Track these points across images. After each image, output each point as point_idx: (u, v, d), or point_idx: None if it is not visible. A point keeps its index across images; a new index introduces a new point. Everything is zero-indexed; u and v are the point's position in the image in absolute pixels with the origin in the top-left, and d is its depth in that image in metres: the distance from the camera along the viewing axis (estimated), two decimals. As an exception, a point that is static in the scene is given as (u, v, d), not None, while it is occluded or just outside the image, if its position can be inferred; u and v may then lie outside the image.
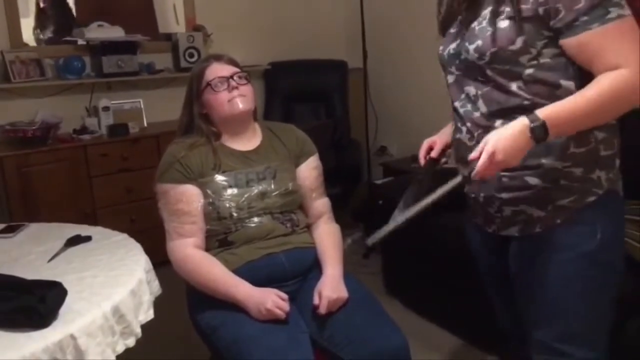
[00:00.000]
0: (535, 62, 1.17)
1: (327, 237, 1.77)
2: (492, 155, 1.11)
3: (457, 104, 1.32)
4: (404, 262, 2.76)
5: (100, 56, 3.10)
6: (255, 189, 1.68)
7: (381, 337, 1.51)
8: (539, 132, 1.10)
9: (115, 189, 3.03)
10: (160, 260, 1.67)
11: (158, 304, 1.55)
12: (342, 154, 3.54)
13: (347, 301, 1.59)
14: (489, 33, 1.18)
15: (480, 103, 1.24)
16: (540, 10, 1.13)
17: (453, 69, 1.31)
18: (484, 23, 1.19)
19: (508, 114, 1.19)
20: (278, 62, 3.80)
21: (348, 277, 1.70)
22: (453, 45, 1.29)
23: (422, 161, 1.56)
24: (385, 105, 3.91)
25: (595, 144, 1.20)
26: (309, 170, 1.81)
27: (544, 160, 1.20)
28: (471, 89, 1.26)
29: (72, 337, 1.18)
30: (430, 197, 1.22)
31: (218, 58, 1.76)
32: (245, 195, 1.67)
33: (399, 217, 1.27)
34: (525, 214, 1.26)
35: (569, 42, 1.13)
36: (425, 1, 3.49)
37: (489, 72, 1.20)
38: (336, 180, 3.40)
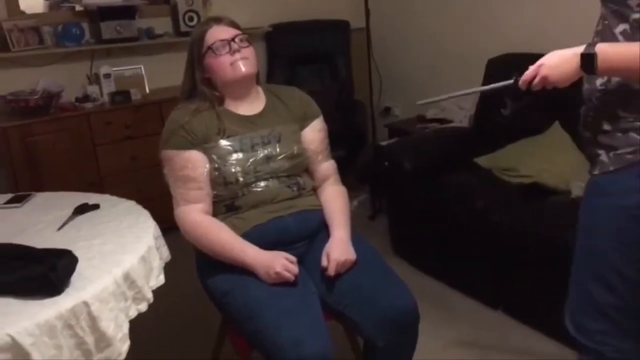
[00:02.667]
0: None
1: (334, 199, 1.77)
2: (540, 67, 1.20)
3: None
4: (410, 223, 2.77)
5: (98, 22, 3.05)
6: (261, 153, 1.67)
7: (390, 298, 1.52)
8: (588, 61, 1.15)
9: (120, 157, 3.02)
10: (169, 226, 1.68)
11: (168, 269, 1.57)
12: (346, 116, 3.52)
13: (355, 263, 1.60)
14: None
15: (598, 40, 1.24)
16: None
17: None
18: None
19: None
20: (279, 24, 3.73)
21: (356, 238, 1.71)
22: None
23: None
24: (389, 65, 3.85)
25: None
26: (314, 133, 1.79)
27: (620, 112, 1.21)
28: (599, 25, 1.27)
29: (85, 303, 1.19)
30: (481, 87, 1.43)
31: (218, 21, 1.72)
32: (251, 160, 1.66)
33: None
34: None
35: None
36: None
37: (603, 11, 1.24)
38: (341, 143, 3.36)
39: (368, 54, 3.71)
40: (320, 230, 1.71)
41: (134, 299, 1.36)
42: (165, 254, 1.61)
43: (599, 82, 1.25)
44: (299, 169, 1.74)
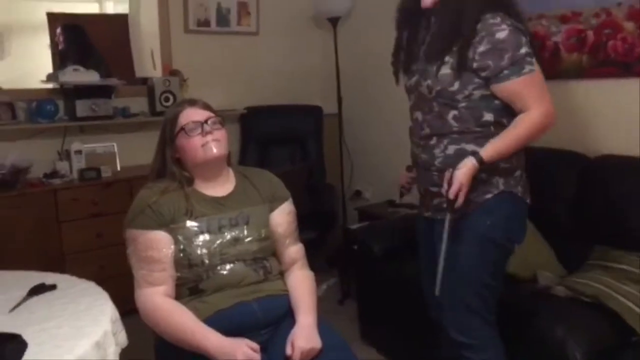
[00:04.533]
0: (467, 99, 1.63)
1: (301, 284, 1.74)
2: (462, 184, 1.58)
3: (412, 123, 1.81)
4: (380, 308, 2.72)
5: (74, 100, 3.07)
6: (228, 235, 1.65)
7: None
8: (482, 165, 1.60)
9: (85, 234, 2.95)
10: (130, 308, 1.62)
11: (125, 355, 1.49)
12: (317, 199, 3.53)
13: (320, 351, 1.55)
14: (437, 75, 1.64)
15: (425, 126, 1.73)
16: (475, 65, 1.59)
17: (412, 97, 1.80)
18: (433, 68, 1.65)
19: (442, 136, 1.68)
20: (254, 107, 3.82)
21: (322, 324, 1.66)
22: (413, 80, 1.76)
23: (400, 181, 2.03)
24: (360, 150, 3.94)
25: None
26: (283, 216, 1.79)
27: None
28: (419, 115, 1.75)
29: (31, 393, 1.12)
30: (444, 236, 1.63)
31: (192, 103, 1.75)
32: (218, 242, 1.63)
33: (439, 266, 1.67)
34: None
35: (495, 88, 1.61)
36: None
37: (434, 104, 1.68)
38: (311, 225, 3.38)
39: (340, 138, 3.80)
40: (286, 317, 1.67)
41: (84, 389, 1.28)
42: (123, 339, 1.54)
43: (437, 151, 1.69)
44: (267, 252, 1.72)
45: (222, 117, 1.76)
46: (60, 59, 3.65)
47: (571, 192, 2.35)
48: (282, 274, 1.77)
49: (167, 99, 3.35)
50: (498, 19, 1.57)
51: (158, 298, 1.57)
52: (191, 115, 1.70)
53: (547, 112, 1.59)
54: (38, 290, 1.63)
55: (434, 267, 1.70)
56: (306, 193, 3.49)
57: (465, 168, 1.57)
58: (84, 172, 3.03)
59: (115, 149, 3.29)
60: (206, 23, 3.68)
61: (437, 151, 1.69)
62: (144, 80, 3.48)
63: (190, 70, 3.56)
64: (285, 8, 3.97)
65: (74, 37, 3.70)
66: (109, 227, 2.94)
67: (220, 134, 1.71)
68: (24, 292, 1.61)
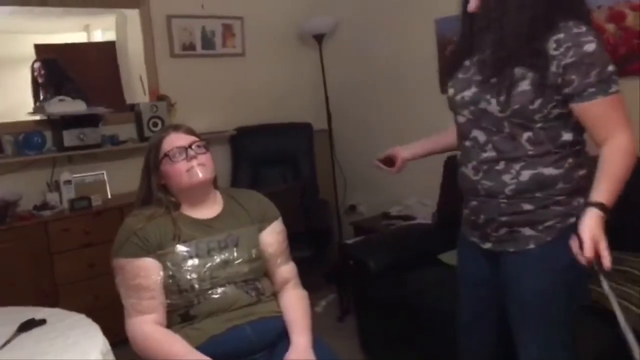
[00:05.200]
0: (544, 119, 1.41)
1: (295, 304, 1.71)
2: (596, 242, 1.31)
3: (467, 143, 1.53)
4: (379, 324, 2.69)
5: (61, 130, 3.06)
6: (217, 258, 1.63)
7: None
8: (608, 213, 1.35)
9: (77, 265, 2.92)
10: (125, 337, 1.59)
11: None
12: (311, 215, 3.52)
13: (316, 371, 1.53)
14: (514, 92, 1.39)
15: (490, 147, 1.47)
16: (559, 80, 1.37)
17: (465, 113, 1.52)
18: (507, 83, 1.40)
19: (513, 160, 1.45)
20: (244, 127, 3.81)
21: (319, 343, 1.64)
22: (468, 93, 1.50)
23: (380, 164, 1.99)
24: (352, 164, 3.93)
25: (577, 180, 1.45)
26: (273, 235, 1.77)
27: (538, 194, 1.45)
28: (480, 135, 1.49)
29: None
30: (614, 304, 1.34)
31: (176, 128, 1.74)
32: (207, 265, 1.61)
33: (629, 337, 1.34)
34: (519, 233, 1.48)
35: (577, 107, 1.39)
36: (384, 61, 3.63)
37: (505, 123, 1.43)
38: (307, 242, 3.37)
39: (331, 154, 3.79)
40: (281, 339, 1.64)
41: None
42: (115, 370, 1.51)
43: (507, 177, 1.46)
44: (258, 273, 1.70)
45: (207, 141, 1.75)
46: (41, 91, 3.67)
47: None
48: (275, 295, 1.74)
49: (155, 124, 3.34)
50: (583, 29, 1.36)
51: (148, 327, 1.54)
52: (175, 140, 1.68)
53: (633, 137, 1.39)
54: (27, 326, 1.60)
55: (480, 299, 1.61)
56: (300, 210, 3.47)
57: (590, 220, 1.34)
58: (74, 202, 3.00)
59: (105, 177, 3.27)
60: (191, 47, 3.69)
61: (506, 177, 1.45)
62: (132, 107, 3.48)
63: (178, 94, 3.56)
64: (270, 28, 3.98)
65: (52, 70, 3.71)
66: (101, 257, 2.90)
67: (205, 157, 1.70)
68: (14, 328, 1.58)
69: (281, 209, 1.86)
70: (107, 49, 4.25)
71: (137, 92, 3.75)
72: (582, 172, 1.46)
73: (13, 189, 2.91)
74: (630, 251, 2.07)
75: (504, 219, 1.48)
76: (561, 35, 1.35)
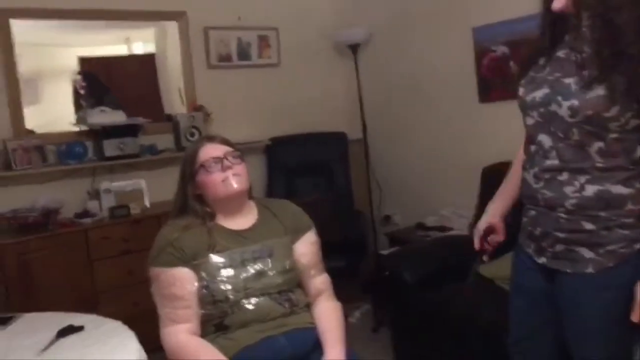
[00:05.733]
0: (620, 128, 1.27)
1: (328, 315, 1.70)
2: None
3: (532, 147, 1.41)
4: (414, 336, 2.65)
5: (102, 140, 3.14)
6: (252, 269, 1.64)
7: None
8: None
9: (116, 272, 2.98)
10: (161, 345, 1.60)
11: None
12: (346, 226, 3.50)
13: (350, 384, 1.51)
14: (588, 97, 1.26)
15: (554, 155, 1.35)
16: None
17: (535, 114, 1.39)
18: (582, 84, 1.27)
19: (578, 171, 1.32)
20: (278, 137, 3.84)
21: (352, 356, 1.62)
22: (539, 94, 1.37)
23: (477, 245, 1.67)
24: (387, 174, 3.90)
25: None
26: (307, 246, 1.76)
27: (602, 213, 1.31)
28: (546, 140, 1.36)
29: None
30: None
31: (211, 139, 1.76)
32: (242, 276, 1.62)
33: None
34: (577, 253, 1.36)
35: None
36: (420, 70, 3.60)
37: (574, 130, 1.30)
38: (341, 253, 3.35)
39: (366, 163, 3.78)
40: (314, 350, 1.63)
41: None
42: (150, 378, 1.53)
43: (569, 189, 1.33)
44: (292, 284, 1.69)
45: (242, 151, 1.76)
46: (82, 102, 3.79)
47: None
48: (308, 306, 1.73)
49: (192, 134, 3.39)
50: None
51: (183, 336, 1.55)
52: (210, 151, 1.70)
53: None
54: (66, 332, 1.64)
55: (537, 314, 1.52)
56: (335, 221, 3.46)
57: None
58: (114, 210, 3.07)
59: (144, 186, 3.33)
60: (228, 58, 3.74)
61: (569, 190, 1.33)
62: (170, 118, 3.54)
63: (215, 104, 3.61)
64: (306, 38, 4.01)
65: (92, 82, 3.84)
66: (139, 264, 2.90)
67: (240, 168, 1.71)
68: (53, 334, 1.62)
69: (315, 219, 1.85)
70: (147, 60, 4.36)
71: (175, 102, 3.82)
72: None
73: (55, 197, 2.99)
74: None
75: (561, 235, 1.37)
76: None
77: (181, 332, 1.55)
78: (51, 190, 3.07)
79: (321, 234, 1.84)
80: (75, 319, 1.73)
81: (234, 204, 1.72)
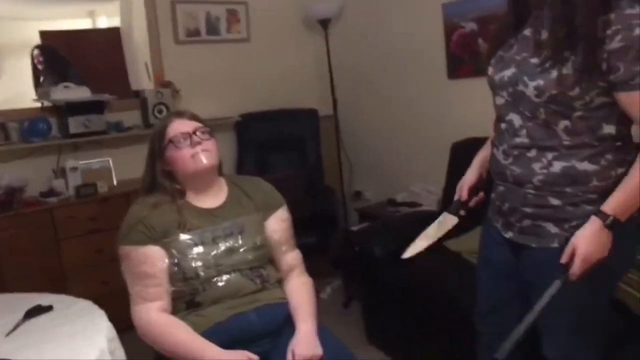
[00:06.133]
0: (585, 107, 1.29)
1: (299, 291, 1.72)
2: (586, 259, 1.27)
3: (502, 125, 1.43)
4: (384, 310, 2.70)
5: (66, 117, 3.06)
6: (222, 246, 1.63)
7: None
8: (613, 224, 1.27)
9: (84, 251, 2.94)
10: (132, 324, 1.60)
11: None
12: (317, 202, 3.51)
13: (321, 358, 1.53)
14: (552, 76, 1.28)
15: (523, 133, 1.37)
16: (604, 65, 1.24)
17: (504, 94, 1.41)
18: (547, 65, 1.29)
19: (546, 149, 1.34)
20: (249, 114, 3.80)
21: (324, 331, 1.64)
22: (508, 73, 1.39)
23: (464, 196, 1.62)
24: (358, 150, 3.92)
25: (614, 179, 1.33)
26: (278, 223, 1.77)
27: (568, 189, 1.34)
28: (516, 119, 1.38)
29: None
30: (541, 302, 1.30)
31: (180, 114, 1.74)
32: (212, 253, 1.61)
33: (519, 328, 1.30)
34: (543, 228, 1.39)
35: (620, 97, 1.26)
36: (390, 46, 3.60)
37: (541, 109, 1.32)
38: (312, 229, 3.37)
39: (337, 139, 3.78)
40: (286, 325, 1.64)
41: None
42: (121, 356, 1.52)
43: (537, 165, 1.36)
44: (263, 261, 1.70)
45: (211, 127, 1.74)
46: (40, 78, 3.71)
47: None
48: (280, 282, 1.74)
49: (160, 111, 3.34)
50: (637, 9, 1.20)
51: (154, 314, 1.55)
52: (179, 127, 1.68)
53: None
54: (34, 312, 1.61)
55: (504, 287, 1.56)
56: (305, 197, 3.47)
57: (585, 231, 1.28)
58: (80, 189, 3.01)
59: (111, 164, 3.28)
60: (196, 33, 3.67)
61: (537, 166, 1.36)
62: (136, 94, 3.47)
63: (183, 80, 3.55)
64: (275, 13, 3.95)
65: (51, 57, 3.73)
66: (108, 243, 2.86)
67: (210, 144, 1.69)
68: (21, 315, 1.59)
69: (286, 195, 1.85)
70: (112, 35, 4.25)
71: (142, 78, 3.74)
72: (621, 170, 1.33)
73: (19, 175, 2.92)
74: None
75: (528, 210, 1.40)
76: (612, 15, 1.21)
77: (152, 310, 1.55)
78: (15, 168, 3.00)
79: (292, 210, 1.85)
80: (44, 299, 1.71)
81: (203, 180, 1.70)
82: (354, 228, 3.13)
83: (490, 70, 1.45)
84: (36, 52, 3.74)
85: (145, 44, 3.60)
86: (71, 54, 3.95)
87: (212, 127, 1.76)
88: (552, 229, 1.38)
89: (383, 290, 2.66)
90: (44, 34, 4.16)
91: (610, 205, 1.28)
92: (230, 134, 3.80)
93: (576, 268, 1.27)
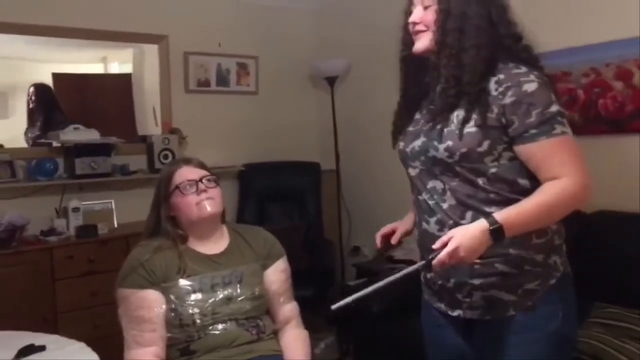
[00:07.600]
0: (496, 162, 1.32)
1: (295, 343, 1.71)
2: (455, 250, 1.21)
3: (424, 196, 1.43)
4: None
5: (73, 158, 3.10)
6: (221, 294, 1.64)
7: None
8: (497, 234, 1.24)
9: (79, 293, 2.90)
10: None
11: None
12: (315, 255, 3.51)
13: (314, 414, 1.51)
14: (458, 136, 1.31)
15: (449, 196, 1.36)
16: (502, 120, 1.29)
17: (417, 164, 1.44)
18: (453, 127, 1.33)
19: (477, 206, 1.32)
20: (252, 164, 3.85)
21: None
22: (418, 143, 1.42)
23: (379, 243, 1.67)
24: (358, 206, 3.94)
25: (551, 235, 1.35)
26: (277, 274, 1.78)
27: (510, 250, 1.32)
28: (437, 183, 1.38)
29: None
30: (394, 275, 1.28)
31: (187, 161, 1.77)
32: (210, 301, 1.62)
33: (366, 290, 1.30)
34: (496, 298, 1.35)
35: (519, 149, 1.30)
36: (394, 105, 3.67)
37: (457, 169, 1.34)
38: (309, 282, 3.35)
39: (338, 194, 3.81)
40: (279, 378, 1.63)
41: None
42: (112, 402, 1.50)
43: (464, 223, 1.32)
44: (260, 311, 1.70)
45: (217, 176, 1.78)
46: (30, 117, 3.74)
47: (568, 247, 2.34)
48: (275, 333, 1.74)
49: (166, 157, 3.38)
50: (523, 69, 1.30)
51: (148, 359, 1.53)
52: (186, 173, 1.71)
53: (582, 183, 1.26)
54: (27, 351, 1.60)
55: None
56: (304, 249, 3.47)
57: (467, 230, 1.23)
58: (80, 230, 3.02)
59: (113, 206, 3.29)
60: (206, 83, 3.77)
61: (464, 223, 1.32)
62: (144, 138, 3.53)
63: (190, 128, 3.61)
64: (285, 68, 4.07)
65: (42, 96, 3.75)
66: (103, 285, 2.87)
67: (215, 192, 1.72)
68: (13, 354, 1.58)
69: (285, 247, 1.87)
70: (123, 80, 4.36)
71: (149, 124, 3.82)
72: (554, 226, 1.35)
73: (22, 213, 2.93)
74: (631, 307, 2.06)
75: (477, 282, 1.34)
76: (501, 76, 1.30)
77: (146, 356, 1.54)
78: (19, 206, 3.01)
79: (290, 261, 1.86)
80: (37, 339, 1.70)
81: (206, 227, 1.72)
82: (352, 283, 3.12)
83: (401, 144, 1.51)
84: (32, 89, 3.80)
85: (156, 90, 3.70)
86: (82, 97, 4.04)
87: (216, 175, 1.80)
88: (505, 296, 1.33)
89: (379, 347, 2.63)
90: (56, 76, 4.26)
91: (502, 215, 1.24)
92: (233, 182, 3.84)
93: (443, 254, 1.21)
